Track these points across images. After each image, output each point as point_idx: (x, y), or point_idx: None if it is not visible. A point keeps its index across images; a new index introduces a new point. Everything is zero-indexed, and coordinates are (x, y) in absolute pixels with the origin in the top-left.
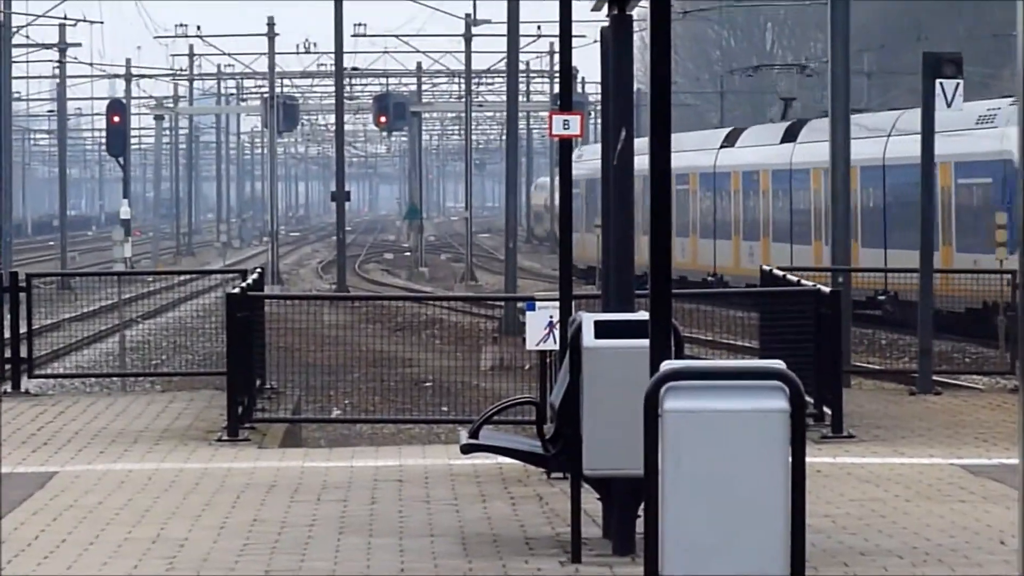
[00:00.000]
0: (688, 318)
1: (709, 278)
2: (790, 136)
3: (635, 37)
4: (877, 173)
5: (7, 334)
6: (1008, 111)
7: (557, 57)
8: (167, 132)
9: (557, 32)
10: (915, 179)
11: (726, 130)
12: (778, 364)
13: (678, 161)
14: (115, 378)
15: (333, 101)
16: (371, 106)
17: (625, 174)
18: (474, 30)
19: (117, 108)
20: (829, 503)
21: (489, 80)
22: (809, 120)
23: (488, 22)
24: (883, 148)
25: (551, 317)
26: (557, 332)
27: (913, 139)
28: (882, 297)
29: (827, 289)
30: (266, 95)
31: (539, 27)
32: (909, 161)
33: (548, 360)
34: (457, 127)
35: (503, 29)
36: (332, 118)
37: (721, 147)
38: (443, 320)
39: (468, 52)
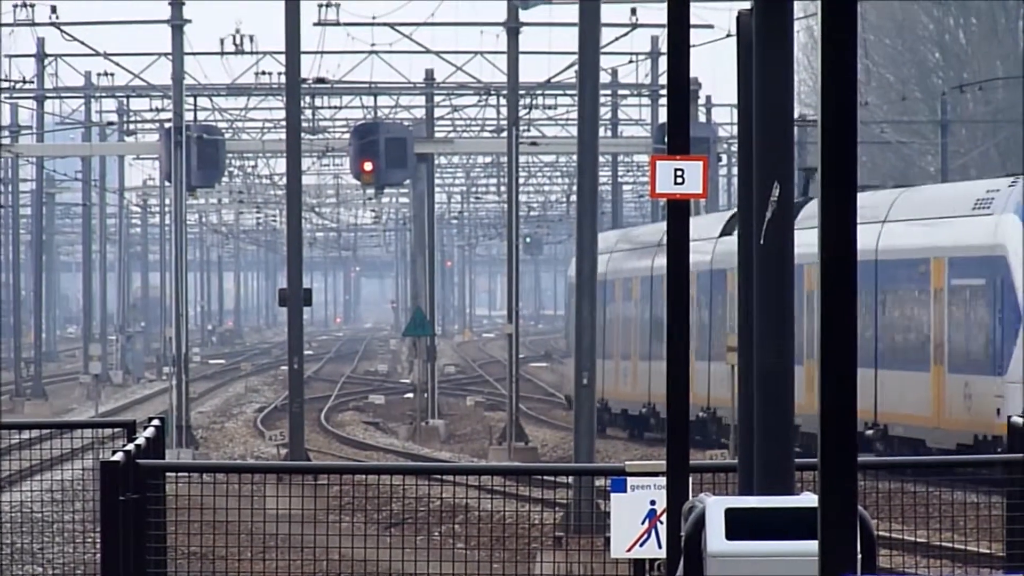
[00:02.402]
0: (886, 505)
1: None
2: None
3: (795, 29)
4: None
5: None
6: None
7: (664, 62)
8: None
9: (664, 19)
10: None
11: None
12: None
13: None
14: None
15: (283, 135)
16: (348, 144)
17: (780, 258)
18: (523, 15)
19: None
20: None
21: (548, 100)
22: None
23: (547, 1)
24: None
25: (653, 503)
26: (663, 528)
27: None
28: None
29: None
30: (168, 124)
31: (633, 11)
32: None
33: (648, 575)
34: (494, 180)
35: (572, 14)
36: (281, 164)
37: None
38: (470, 508)
39: (513, 53)
